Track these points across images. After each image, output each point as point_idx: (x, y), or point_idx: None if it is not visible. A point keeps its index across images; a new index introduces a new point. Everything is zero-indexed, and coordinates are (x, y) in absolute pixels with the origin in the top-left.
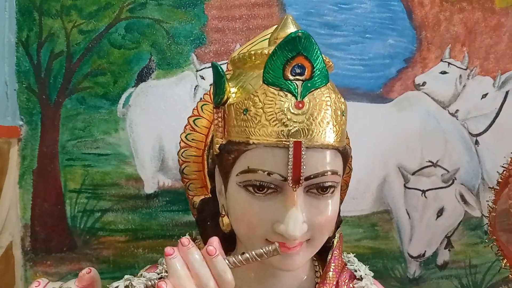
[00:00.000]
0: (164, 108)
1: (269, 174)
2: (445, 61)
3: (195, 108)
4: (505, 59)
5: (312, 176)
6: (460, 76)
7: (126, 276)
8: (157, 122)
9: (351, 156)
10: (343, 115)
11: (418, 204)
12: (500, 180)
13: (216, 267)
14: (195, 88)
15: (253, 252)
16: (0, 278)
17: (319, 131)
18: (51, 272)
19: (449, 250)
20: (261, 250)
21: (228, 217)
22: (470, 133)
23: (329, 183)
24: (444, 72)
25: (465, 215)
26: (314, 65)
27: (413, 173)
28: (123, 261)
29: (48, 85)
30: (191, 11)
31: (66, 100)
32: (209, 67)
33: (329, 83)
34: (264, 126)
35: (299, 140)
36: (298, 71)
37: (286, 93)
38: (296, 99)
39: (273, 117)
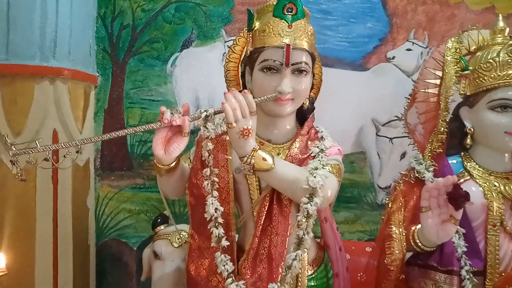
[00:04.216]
0: (200, 69)
1: (274, 61)
2: (410, 41)
3: (234, 40)
4: None
5: (295, 63)
6: (421, 53)
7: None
8: (194, 79)
9: (320, 66)
10: (312, 35)
11: (387, 148)
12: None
13: (248, 98)
14: (223, 55)
15: (265, 96)
16: (81, 182)
17: (300, 41)
18: (113, 185)
19: None
20: (269, 95)
21: (252, 94)
22: None
23: (303, 68)
24: (409, 50)
25: None
26: (298, 7)
27: (383, 125)
28: None
29: (118, 48)
30: None
31: (130, 59)
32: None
33: (305, 18)
34: (272, 37)
35: (288, 44)
36: (290, 10)
37: (283, 20)
38: (288, 23)
39: (277, 33)
